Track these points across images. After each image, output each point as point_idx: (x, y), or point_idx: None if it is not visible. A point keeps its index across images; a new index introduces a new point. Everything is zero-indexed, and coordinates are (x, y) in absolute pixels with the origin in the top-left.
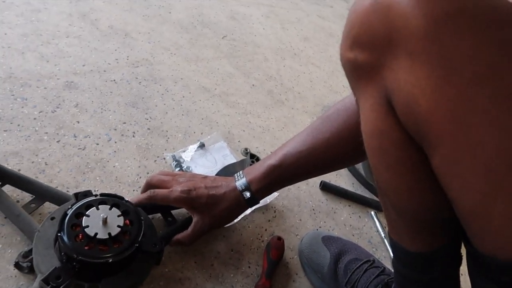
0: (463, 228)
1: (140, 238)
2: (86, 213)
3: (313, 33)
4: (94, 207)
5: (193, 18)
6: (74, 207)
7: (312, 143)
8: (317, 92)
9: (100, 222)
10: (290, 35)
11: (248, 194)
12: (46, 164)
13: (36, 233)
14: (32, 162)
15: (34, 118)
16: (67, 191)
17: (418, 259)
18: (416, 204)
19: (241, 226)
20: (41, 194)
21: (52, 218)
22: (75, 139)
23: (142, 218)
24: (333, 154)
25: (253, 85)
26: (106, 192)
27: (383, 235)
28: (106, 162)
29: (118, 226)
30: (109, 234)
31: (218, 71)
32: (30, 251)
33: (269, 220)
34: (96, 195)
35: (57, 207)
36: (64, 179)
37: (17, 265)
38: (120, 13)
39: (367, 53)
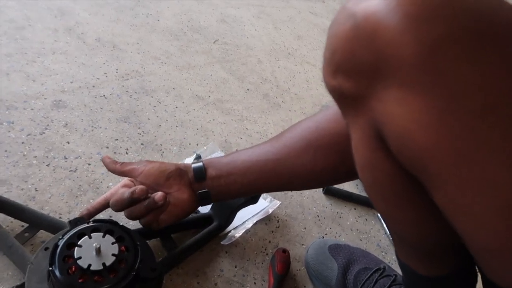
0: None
1: (137, 265)
2: (78, 243)
3: (306, 31)
4: (87, 236)
5: (182, 24)
6: (66, 237)
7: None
8: (314, 92)
9: (94, 252)
10: (283, 35)
11: (198, 164)
12: (36, 190)
13: (29, 266)
14: (22, 189)
15: (22, 142)
16: (60, 217)
17: (429, 283)
18: (418, 234)
19: (243, 240)
20: (35, 222)
21: (46, 249)
22: (66, 161)
23: (138, 243)
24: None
25: (248, 89)
26: (101, 216)
27: (391, 238)
28: (99, 183)
29: (113, 254)
30: (104, 264)
31: (211, 77)
32: (23, 285)
33: (272, 231)
34: (88, 222)
35: (51, 235)
36: (56, 205)
37: None
38: (107, 25)
39: (352, 82)
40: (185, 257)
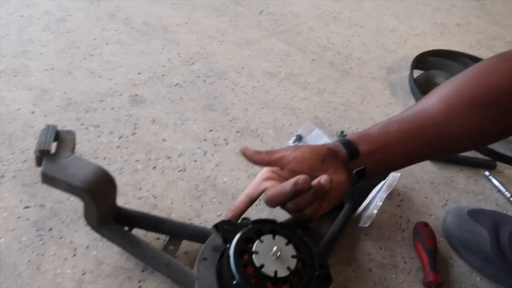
0: None
1: (316, 263)
2: (254, 249)
3: None
4: (259, 240)
5: None
6: (233, 244)
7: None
8: (374, 55)
9: (273, 257)
10: None
11: (347, 141)
12: (154, 197)
13: (196, 282)
14: (139, 198)
15: (118, 146)
16: (190, 223)
17: None
18: None
19: (376, 219)
20: (176, 232)
21: (205, 259)
22: (171, 161)
23: (306, 239)
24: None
25: (313, 59)
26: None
27: (508, 194)
28: (214, 179)
29: (293, 256)
30: (288, 268)
31: (273, 51)
32: None
33: (398, 206)
34: (241, 224)
35: (194, 245)
36: (182, 210)
37: None
38: (148, 6)
39: None
40: (333, 247)
